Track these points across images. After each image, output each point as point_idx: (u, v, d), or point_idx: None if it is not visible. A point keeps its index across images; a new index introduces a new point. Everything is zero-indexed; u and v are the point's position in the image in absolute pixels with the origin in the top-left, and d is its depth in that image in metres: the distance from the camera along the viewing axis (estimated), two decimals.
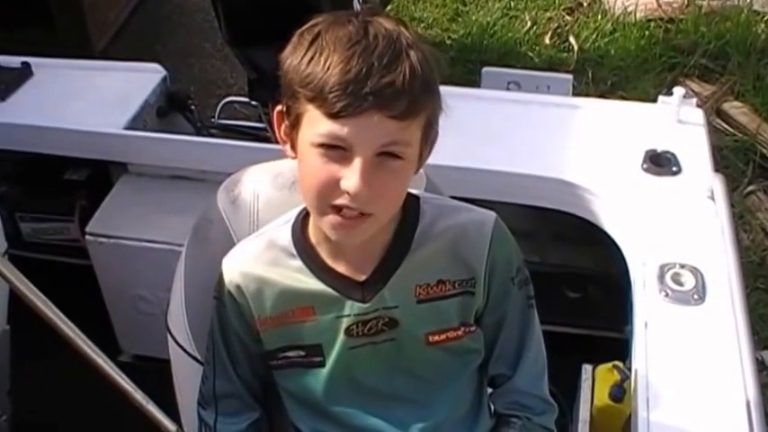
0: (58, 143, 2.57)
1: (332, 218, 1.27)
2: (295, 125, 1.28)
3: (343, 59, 1.19)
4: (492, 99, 2.54)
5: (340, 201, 1.24)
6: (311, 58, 1.22)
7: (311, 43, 1.24)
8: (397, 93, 1.20)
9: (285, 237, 1.44)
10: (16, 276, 1.49)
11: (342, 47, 1.20)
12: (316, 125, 1.22)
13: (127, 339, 2.72)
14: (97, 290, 2.64)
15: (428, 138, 1.31)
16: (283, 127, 1.33)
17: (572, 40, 4.57)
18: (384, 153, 1.23)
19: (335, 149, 1.22)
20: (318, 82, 1.20)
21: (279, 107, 1.32)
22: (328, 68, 1.20)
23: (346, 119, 1.19)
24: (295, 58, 1.25)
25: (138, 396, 1.53)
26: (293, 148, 1.32)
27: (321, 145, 1.23)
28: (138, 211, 2.56)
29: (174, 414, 1.69)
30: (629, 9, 4.67)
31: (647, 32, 4.55)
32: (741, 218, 3.45)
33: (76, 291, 2.69)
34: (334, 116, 1.20)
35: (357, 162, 1.21)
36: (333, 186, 1.23)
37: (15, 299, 2.12)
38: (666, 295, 1.81)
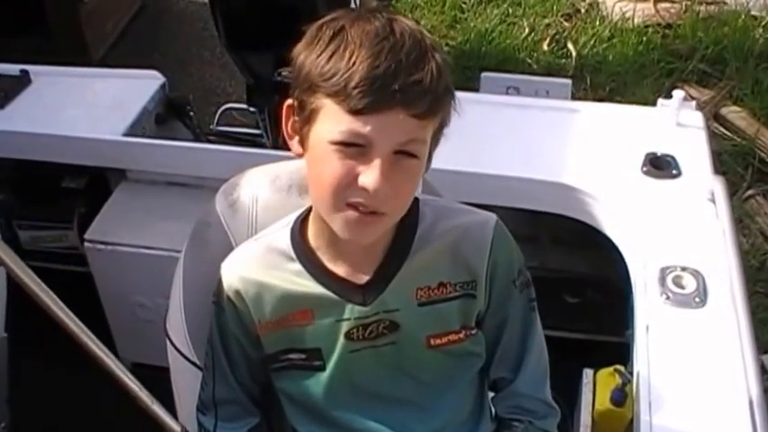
0: (56, 150, 2.57)
1: (347, 214, 1.25)
2: (309, 120, 1.25)
3: (370, 55, 1.18)
4: (491, 103, 2.54)
5: (356, 198, 1.23)
6: (333, 51, 1.20)
7: (333, 37, 1.22)
8: (423, 91, 1.19)
9: (284, 240, 1.43)
10: (21, 269, 1.47)
11: (369, 42, 1.19)
12: (335, 121, 1.20)
13: (125, 346, 2.71)
14: (95, 297, 2.63)
15: (437, 139, 1.31)
16: (292, 121, 1.31)
17: (570, 46, 4.57)
18: (400, 152, 1.22)
19: (354, 146, 1.21)
20: (342, 77, 1.18)
21: (289, 101, 1.31)
22: (354, 63, 1.18)
23: (369, 115, 1.18)
24: (314, 52, 1.23)
25: (143, 395, 1.51)
26: (302, 143, 1.30)
27: (340, 142, 1.21)
28: (136, 217, 2.56)
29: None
30: (627, 15, 4.68)
31: (644, 38, 4.55)
32: (740, 222, 3.44)
33: (75, 298, 2.69)
34: (357, 112, 1.18)
35: (376, 159, 1.20)
36: (350, 182, 1.22)
37: (14, 304, 2.13)
38: (668, 298, 1.81)
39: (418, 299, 1.40)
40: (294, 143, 1.33)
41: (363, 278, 1.39)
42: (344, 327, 1.40)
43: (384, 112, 1.18)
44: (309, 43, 1.25)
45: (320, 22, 1.26)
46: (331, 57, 1.20)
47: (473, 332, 1.46)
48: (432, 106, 1.22)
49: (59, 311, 1.51)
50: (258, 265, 1.43)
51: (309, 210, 1.42)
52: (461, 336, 1.44)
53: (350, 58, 1.18)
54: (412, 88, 1.18)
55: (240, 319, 1.46)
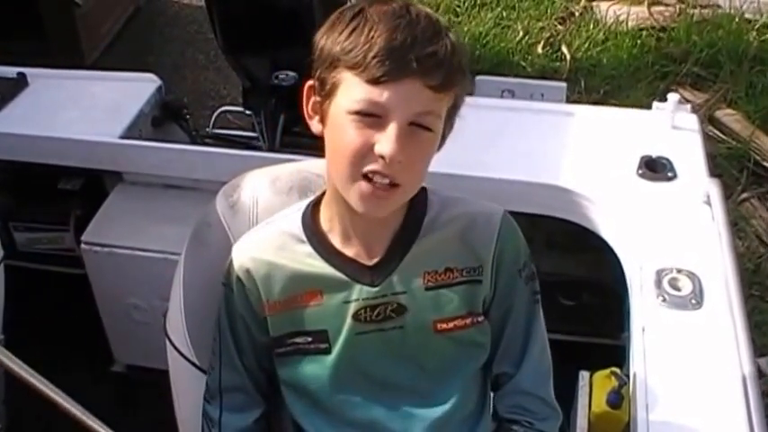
0: (53, 152, 2.57)
1: (363, 186, 1.29)
2: (329, 95, 1.31)
3: (388, 29, 1.25)
4: (486, 106, 2.54)
5: (372, 167, 1.27)
6: (354, 28, 1.27)
7: (353, 17, 1.29)
8: (438, 63, 1.26)
9: (295, 224, 1.46)
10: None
11: (387, 19, 1.26)
12: (354, 92, 1.26)
13: (121, 349, 2.71)
14: (91, 299, 2.63)
15: (451, 120, 1.35)
16: (312, 101, 1.37)
17: (564, 49, 4.58)
18: (415, 124, 1.27)
19: (370, 116, 1.26)
20: (361, 49, 1.25)
21: (309, 82, 1.36)
22: (372, 37, 1.25)
23: (386, 84, 1.24)
24: (335, 31, 1.30)
25: None
26: (321, 120, 1.35)
27: (357, 112, 1.26)
28: (133, 220, 2.56)
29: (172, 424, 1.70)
30: (621, 18, 4.69)
31: (639, 41, 4.57)
32: (735, 225, 3.45)
33: (71, 300, 2.69)
34: (374, 82, 1.24)
35: (392, 127, 1.25)
36: (366, 152, 1.27)
37: (12, 306, 2.13)
38: (664, 300, 1.81)
39: (425, 283, 1.43)
40: (314, 123, 1.38)
41: (373, 260, 1.43)
42: (352, 307, 1.43)
43: (400, 81, 1.24)
44: (331, 27, 1.32)
45: (340, 9, 1.33)
46: (351, 33, 1.27)
47: (479, 319, 1.48)
48: (446, 79, 1.27)
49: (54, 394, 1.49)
50: (269, 246, 1.46)
51: (321, 196, 1.46)
52: (468, 322, 1.46)
53: (369, 33, 1.25)
54: (428, 59, 1.24)
55: (248, 300, 1.48)
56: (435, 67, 1.25)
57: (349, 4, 1.34)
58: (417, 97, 1.26)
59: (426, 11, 1.31)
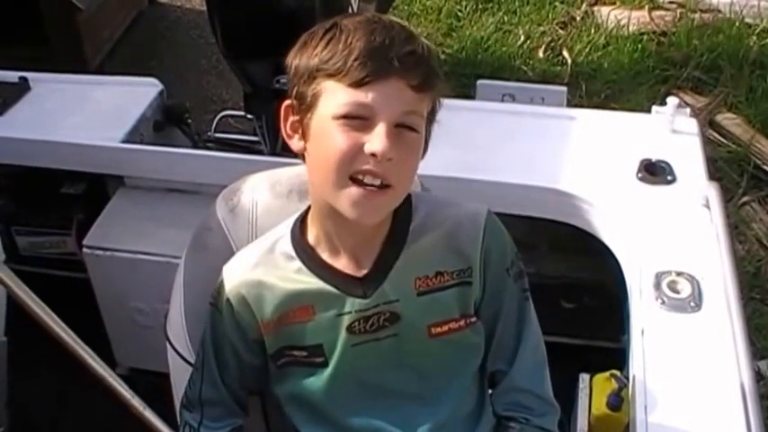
0: (55, 157, 2.57)
1: (353, 190, 1.29)
2: (310, 107, 1.31)
3: (366, 33, 1.26)
4: (487, 110, 2.55)
5: (363, 167, 1.27)
6: (330, 39, 1.29)
7: (327, 31, 1.30)
8: (418, 61, 1.28)
9: (284, 241, 1.46)
10: (17, 285, 1.47)
11: (362, 26, 1.28)
12: (338, 97, 1.27)
13: (123, 352, 2.71)
14: (94, 303, 2.63)
15: (430, 125, 1.36)
16: (290, 121, 1.37)
17: (565, 53, 4.59)
18: (401, 125, 1.28)
19: (357, 119, 1.27)
20: (341, 55, 1.26)
21: (286, 102, 1.36)
22: (351, 42, 1.26)
23: (370, 86, 1.25)
24: (308, 47, 1.31)
25: (136, 403, 1.52)
26: (303, 136, 1.35)
27: (344, 116, 1.27)
28: (135, 223, 2.57)
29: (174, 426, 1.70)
30: (622, 22, 4.70)
31: (639, 46, 4.57)
32: (736, 228, 3.45)
33: (73, 304, 2.69)
34: (358, 84, 1.25)
35: (381, 126, 1.26)
36: (356, 153, 1.27)
37: (14, 310, 2.13)
38: (663, 303, 1.82)
39: (417, 288, 1.43)
40: (294, 141, 1.37)
41: (362, 271, 1.42)
42: (346, 320, 1.43)
43: (383, 81, 1.26)
44: (303, 45, 1.33)
45: (310, 30, 1.34)
46: (328, 44, 1.28)
47: (473, 320, 1.48)
48: (426, 78, 1.29)
49: (53, 324, 1.50)
50: (260, 266, 1.46)
51: (308, 210, 1.46)
52: (462, 324, 1.47)
53: (346, 40, 1.27)
54: (408, 58, 1.26)
55: (239, 324, 1.48)
56: (415, 66, 1.27)
57: (349, 11, 1.35)
58: (401, 97, 1.27)
59: (397, 20, 1.34)
